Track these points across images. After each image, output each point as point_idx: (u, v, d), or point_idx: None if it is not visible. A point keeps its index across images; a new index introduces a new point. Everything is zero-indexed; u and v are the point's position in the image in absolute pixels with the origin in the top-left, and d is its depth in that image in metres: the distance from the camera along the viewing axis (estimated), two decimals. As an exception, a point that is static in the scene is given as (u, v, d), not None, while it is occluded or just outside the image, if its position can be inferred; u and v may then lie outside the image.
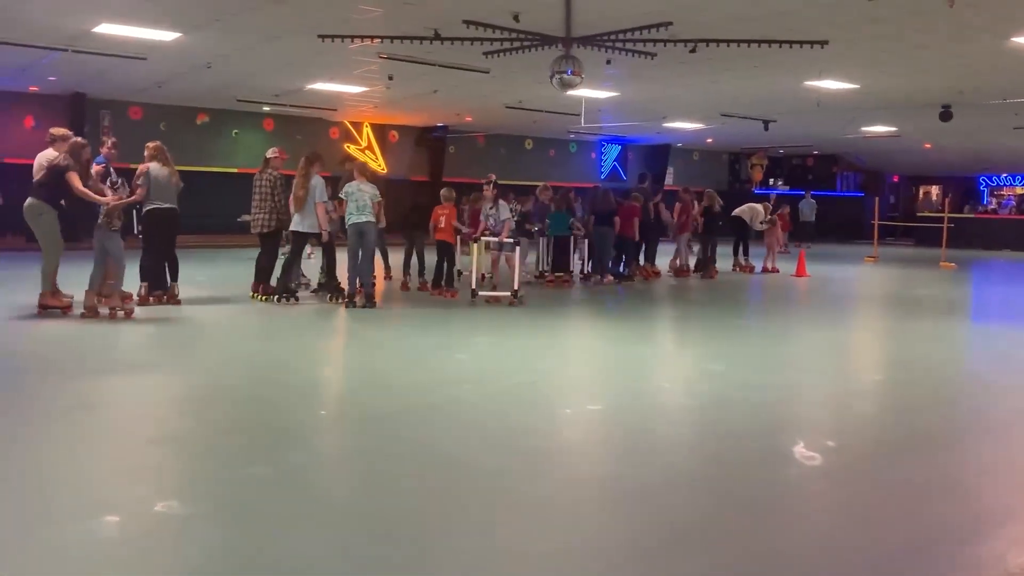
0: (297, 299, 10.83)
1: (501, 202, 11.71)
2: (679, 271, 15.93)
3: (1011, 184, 34.09)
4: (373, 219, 10.43)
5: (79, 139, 9.49)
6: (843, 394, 6.95)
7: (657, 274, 15.35)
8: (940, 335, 10.03)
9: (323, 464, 4.80)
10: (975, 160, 29.71)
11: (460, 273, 12.84)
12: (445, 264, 11.94)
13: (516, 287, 11.09)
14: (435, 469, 4.59)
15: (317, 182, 10.46)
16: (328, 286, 11.12)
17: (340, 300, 10.68)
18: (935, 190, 34.84)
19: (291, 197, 10.60)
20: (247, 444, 4.98)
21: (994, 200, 33.96)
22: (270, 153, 10.99)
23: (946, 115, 17.29)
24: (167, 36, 12.53)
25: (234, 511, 3.93)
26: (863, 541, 3.77)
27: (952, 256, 20.54)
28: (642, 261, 15.50)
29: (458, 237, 12.24)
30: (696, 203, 16.12)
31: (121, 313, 9.04)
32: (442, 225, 11.89)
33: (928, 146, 26.30)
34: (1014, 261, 23.10)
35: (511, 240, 11.48)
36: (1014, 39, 11.39)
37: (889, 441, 5.47)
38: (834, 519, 4.11)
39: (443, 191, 12.35)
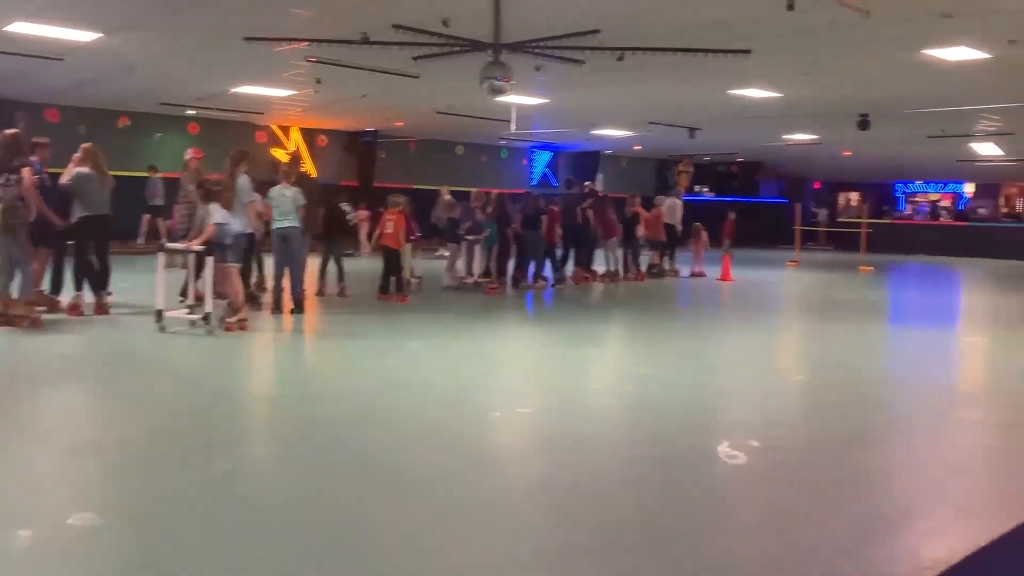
0: (260, 306, 10.54)
1: (213, 205, 9.17)
2: (607, 276, 16.07)
3: (925, 191, 35.43)
4: (297, 224, 10.30)
5: (7, 132, 9.02)
6: (767, 394, 7.13)
7: (587, 279, 15.48)
8: (859, 336, 10.35)
9: (252, 472, 4.72)
10: (892, 167, 30.75)
11: (419, 278, 13.35)
12: (392, 269, 11.96)
13: (209, 308, 8.90)
14: (368, 476, 4.56)
15: (244, 181, 10.25)
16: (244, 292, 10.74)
17: (254, 307, 10.41)
18: (854, 196, 35.97)
19: (220, 200, 10.38)
20: (171, 454, 4.87)
21: (909, 206, 35.24)
22: (187, 154, 10.72)
23: (864, 124, 17.86)
24: (86, 37, 12.16)
25: (154, 523, 3.83)
26: (785, 539, 3.88)
27: (870, 260, 21.22)
28: (571, 266, 15.61)
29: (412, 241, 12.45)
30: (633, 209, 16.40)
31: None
32: (389, 230, 11.90)
33: (847, 153, 27.13)
34: (929, 264, 23.98)
35: (201, 248, 8.92)
36: (925, 52, 11.84)
37: (810, 440, 5.63)
38: (757, 517, 4.20)
39: (391, 197, 12.41)
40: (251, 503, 4.15)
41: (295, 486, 4.44)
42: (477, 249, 14.10)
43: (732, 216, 23.78)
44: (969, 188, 34.10)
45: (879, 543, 3.82)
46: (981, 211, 32.31)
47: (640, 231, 16.64)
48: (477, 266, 14.18)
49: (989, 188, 33.32)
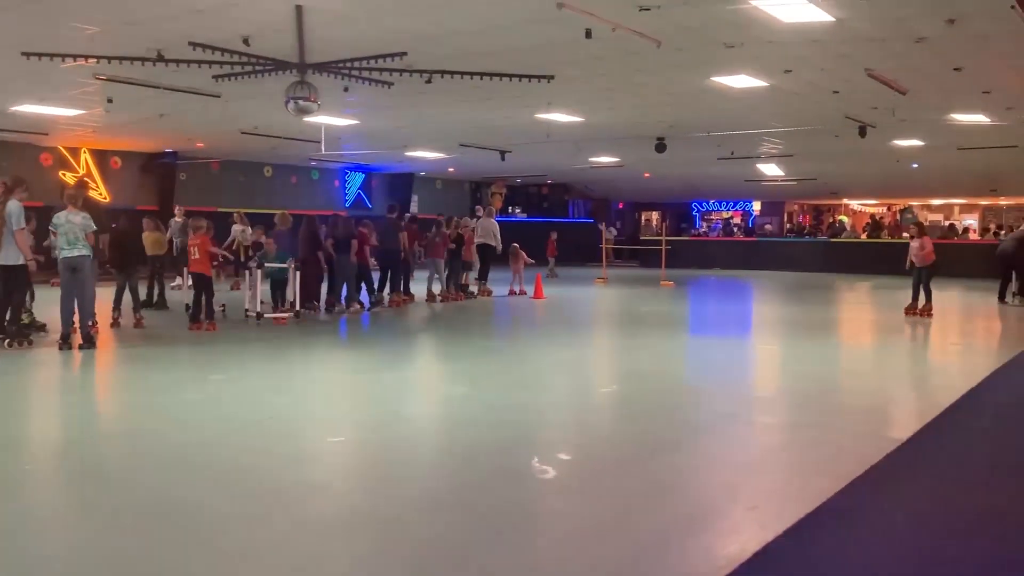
0: (31, 342, 9.74)
1: None
2: (441, 296, 16.22)
3: (718, 209, 37.94)
4: (87, 252, 9.63)
5: None
6: (576, 408, 7.34)
7: (403, 302, 15.39)
8: (662, 348, 10.86)
9: (29, 524, 4.31)
10: (688, 188, 32.68)
11: (223, 305, 12.62)
12: (203, 297, 11.48)
13: None
14: (162, 520, 4.28)
15: (13, 207, 9.40)
16: (9, 328, 9.68)
17: (24, 343, 9.62)
18: (655, 215, 37.95)
19: None
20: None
21: (705, 224, 37.59)
22: None
23: (660, 147, 18.89)
24: None
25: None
26: (590, 547, 3.98)
27: (671, 275, 22.41)
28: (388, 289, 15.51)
29: (214, 268, 11.82)
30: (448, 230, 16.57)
31: None
32: (196, 256, 11.41)
33: (647, 175, 28.59)
34: (722, 278, 25.59)
35: None
36: (713, 79, 12.68)
37: (616, 450, 5.83)
38: (567, 529, 4.29)
39: (192, 220, 11.89)
40: (24, 560, 3.79)
41: (75, 536, 4.11)
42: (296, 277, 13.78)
43: (554, 236, 24.62)
44: (757, 206, 36.83)
45: (677, 545, 4.00)
46: (768, 227, 34.93)
47: (465, 252, 16.92)
48: (290, 292, 13.84)
49: (775, 206, 36.11)
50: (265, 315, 12.29)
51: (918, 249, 13.51)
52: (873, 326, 13.77)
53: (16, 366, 8.82)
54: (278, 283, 12.95)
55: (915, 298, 13.69)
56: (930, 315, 13.52)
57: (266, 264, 12.57)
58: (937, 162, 23.33)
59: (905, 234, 30.70)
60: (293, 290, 12.91)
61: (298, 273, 12.86)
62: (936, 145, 19.95)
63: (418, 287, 16.22)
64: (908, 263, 13.73)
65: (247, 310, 12.58)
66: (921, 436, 6.12)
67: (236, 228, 17.26)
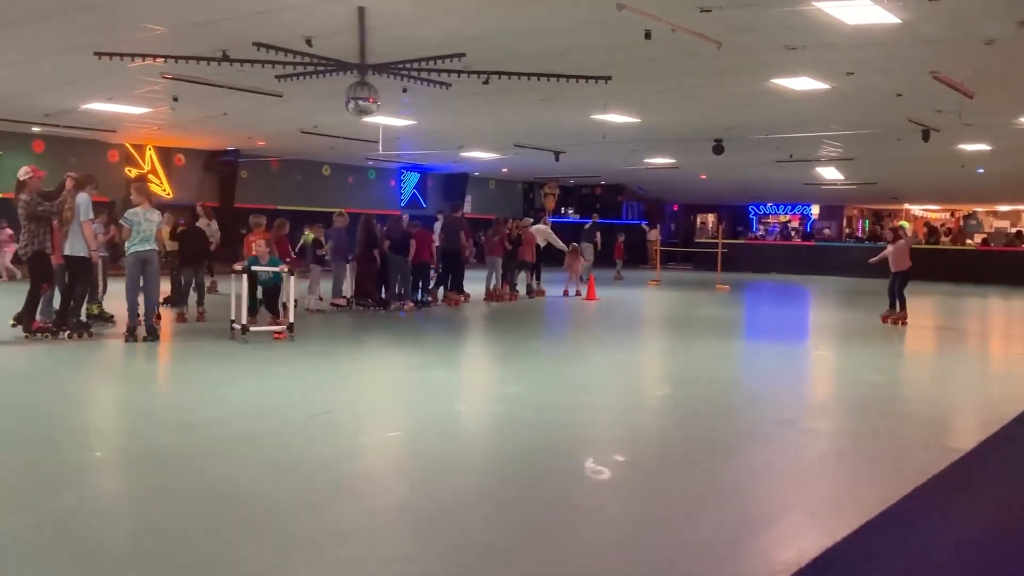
0: (91, 334, 10.01)
1: None
2: (493, 295, 16.31)
3: (776, 212, 37.38)
4: (157, 247, 9.96)
5: None
6: (631, 410, 7.32)
7: (458, 300, 15.49)
8: (717, 352, 10.77)
9: (98, 508, 4.46)
10: (745, 190, 32.28)
11: (285, 303, 12.18)
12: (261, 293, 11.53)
13: None
14: (226, 507, 4.39)
15: (82, 199, 9.66)
16: (70, 321, 9.88)
17: (84, 335, 9.88)
18: (711, 218, 37.55)
19: (58, 220, 9.82)
20: (8, 492, 4.55)
21: (762, 227, 37.08)
22: (22, 174, 9.80)
23: (718, 148, 18.71)
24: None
25: (-7, 567, 3.57)
26: (646, 549, 3.98)
27: (726, 279, 22.17)
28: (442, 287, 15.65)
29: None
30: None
31: None
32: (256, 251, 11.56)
33: (703, 177, 28.31)
34: (779, 283, 25.26)
35: None
36: (773, 81, 12.53)
37: (671, 453, 5.81)
38: (621, 530, 4.30)
39: (252, 217, 12.06)
40: (93, 542, 3.92)
41: (141, 522, 4.23)
42: (348, 269, 13.99)
43: (621, 238, 24.61)
44: (815, 210, 36.21)
45: (734, 549, 3.98)
46: (826, 232, 34.34)
47: (521, 253, 17.02)
48: (347, 288, 14.09)
49: (833, 210, 35.47)
50: (251, 328, 10.43)
51: (893, 254, 13.35)
52: (932, 333, 13.46)
53: (85, 357, 9.10)
54: (269, 291, 11.32)
55: (892, 304, 13.44)
56: (905, 323, 13.27)
57: (253, 268, 10.84)
58: (1005, 167, 22.68)
59: (969, 241, 30.18)
60: (283, 299, 11.26)
61: (291, 278, 11.13)
62: (1004, 149, 19.40)
63: (471, 286, 16.29)
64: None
65: (232, 322, 10.56)
66: (983, 446, 5.99)
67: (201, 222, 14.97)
